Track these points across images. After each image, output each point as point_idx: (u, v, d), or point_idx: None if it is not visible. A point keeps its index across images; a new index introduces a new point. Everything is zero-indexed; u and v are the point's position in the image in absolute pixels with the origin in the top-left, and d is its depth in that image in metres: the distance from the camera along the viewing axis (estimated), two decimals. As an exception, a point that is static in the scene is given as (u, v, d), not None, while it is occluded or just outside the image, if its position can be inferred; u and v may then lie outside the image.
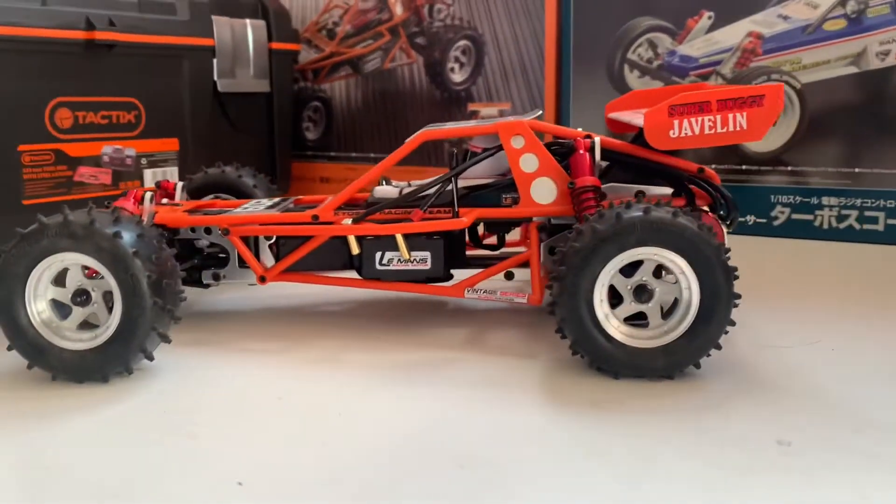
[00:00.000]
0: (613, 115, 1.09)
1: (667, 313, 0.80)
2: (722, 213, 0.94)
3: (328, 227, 0.94)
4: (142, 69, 1.56)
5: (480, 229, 1.04)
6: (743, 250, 1.45)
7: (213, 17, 1.69)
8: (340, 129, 2.01)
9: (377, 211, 0.93)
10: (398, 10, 1.86)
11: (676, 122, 0.85)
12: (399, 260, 0.93)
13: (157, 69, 1.59)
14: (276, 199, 1.08)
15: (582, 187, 0.89)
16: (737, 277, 0.79)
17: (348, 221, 0.93)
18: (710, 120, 0.84)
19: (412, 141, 0.95)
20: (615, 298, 0.80)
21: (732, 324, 0.78)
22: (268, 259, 1.00)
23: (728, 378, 0.80)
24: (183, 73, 1.65)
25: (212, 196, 1.21)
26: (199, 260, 1.00)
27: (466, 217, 0.92)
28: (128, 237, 0.79)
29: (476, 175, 1.00)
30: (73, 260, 0.80)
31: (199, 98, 1.70)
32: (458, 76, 1.81)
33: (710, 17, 1.52)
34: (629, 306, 0.80)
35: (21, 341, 0.80)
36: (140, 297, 0.79)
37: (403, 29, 1.86)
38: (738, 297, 0.78)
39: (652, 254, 0.77)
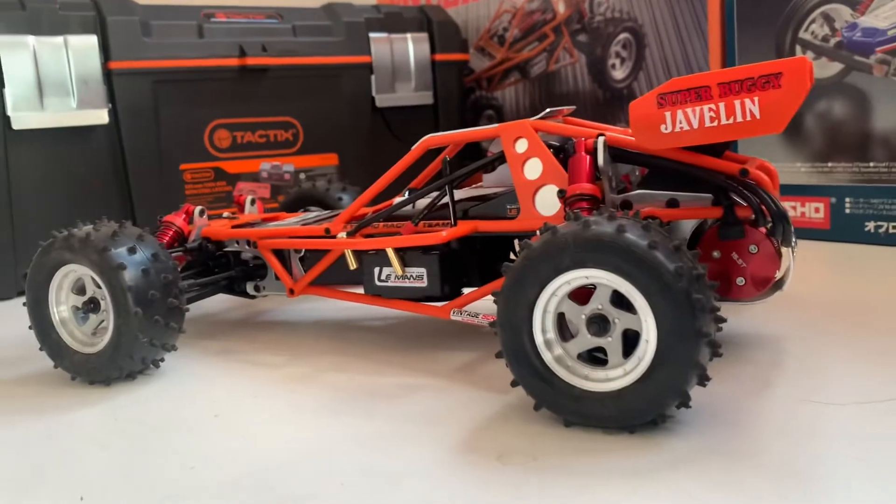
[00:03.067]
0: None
1: (629, 350, 0.65)
2: (767, 227, 0.74)
3: (326, 240, 0.91)
4: (298, 90, 1.67)
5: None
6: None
7: (371, 35, 1.75)
8: (512, 136, 1.95)
9: (368, 224, 0.89)
10: (561, 8, 1.76)
11: (668, 115, 0.68)
12: (396, 276, 0.87)
13: (313, 89, 1.69)
14: (329, 213, 1.08)
15: (574, 195, 0.76)
16: (722, 320, 0.62)
17: (343, 235, 0.89)
18: (711, 109, 0.67)
19: (416, 149, 0.89)
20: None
21: (702, 371, 0.61)
22: (300, 272, 1.00)
23: (706, 438, 0.62)
24: (340, 90, 1.72)
25: (302, 210, 1.25)
26: (239, 271, 1.03)
27: (460, 229, 0.83)
28: (118, 251, 0.84)
29: (494, 183, 0.91)
30: (80, 271, 0.87)
31: (359, 113, 1.76)
32: (619, 73, 1.66)
33: (899, -23, 1.22)
34: (585, 339, 0.66)
35: (47, 342, 0.90)
36: (125, 307, 0.83)
37: (566, 27, 1.76)
38: (716, 344, 0.61)
39: (599, 277, 0.63)
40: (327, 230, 0.93)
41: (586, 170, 0.77)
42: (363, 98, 1.76)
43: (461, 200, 0.88)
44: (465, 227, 0.83)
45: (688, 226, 0.79)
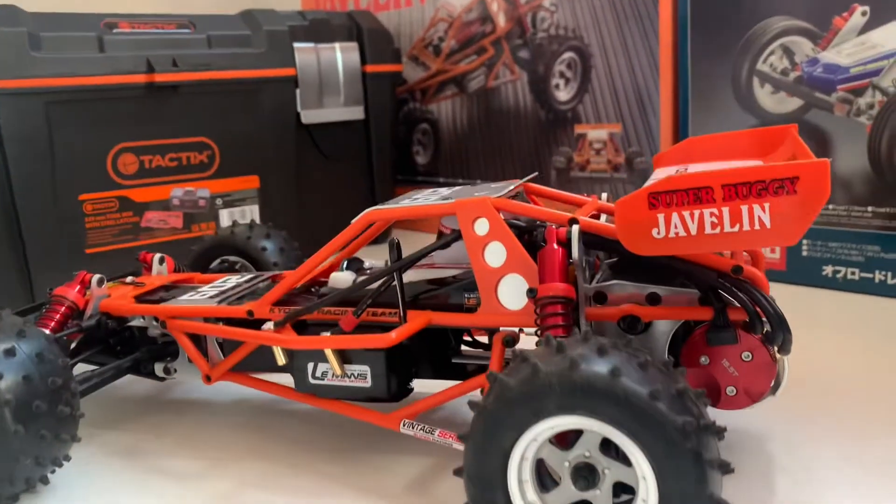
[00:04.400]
0: (656, 172, 0.82)
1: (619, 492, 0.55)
2: (765, 333, 0.65)
3: (249, 332, 0.78)
4: (213, 107, 1.50)
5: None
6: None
7: (295, 45, 1.59)
8: (447, 152, 1.84)
9: (303, 314, 0.76)
10: (501, 20, 1.65)
11: (661, 217, 0.58)
12: (334, 374, 0.75)
13: (230, 106, 1.52)
14: (253, 276, 0.94)
15: (546, 297, 0.65)
16: (730, 470, 0.52)
17: (270, 326, 0.76)
18: (713, 214, 0.57)
19: (356, 224, 0.76)
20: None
21: (710, 540, 0.51)
22: (218, 355, 0.86)
23: None
24: (262, 107, 1.56)
25: (219, 261, 1.10)
26: (145, 352, 0.89)
27: (411, 326, 0.71)
28: (-9, 355, 0.69)
29: (447, 261, 0.79)
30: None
31: (282, 131, 1.61)
32: (563, 94, 1.56)
33: (864, 14, 1.15)
34: (569, 491, 0.55)
35: None
36: (1, 425, 0.68)
37: (507, 42, 1.65)
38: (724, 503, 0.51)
39: (588, 425, 0.53)
40: (250, 313, 0.80)
41: (559, 265, 0.66)
42: (287, 114, 1.61)
43: (410, 283, 0.76)
44: (416, 323, 0.71)
45: (668, 323, 0.69)
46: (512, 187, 0.73)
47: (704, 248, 0.58)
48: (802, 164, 0.54)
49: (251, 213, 1.59)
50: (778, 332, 0.64)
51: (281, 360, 0.76)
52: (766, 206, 0.55)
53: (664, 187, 0.57)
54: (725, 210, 0.56)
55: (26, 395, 0.69)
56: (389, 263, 0.72)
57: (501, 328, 0.72)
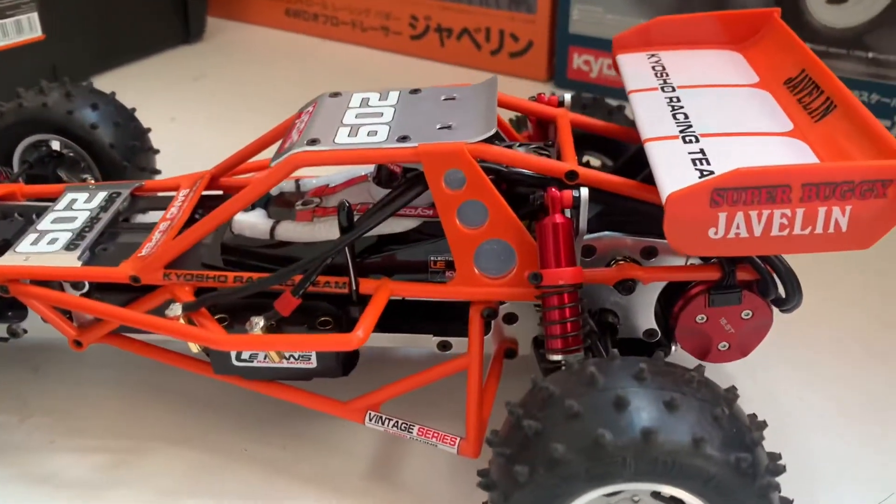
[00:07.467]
0: (623, 64, 0.69)
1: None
2: (776, 296, 0.59)
3: (149, 320, 0.60)
4: None
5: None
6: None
7: None
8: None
9: (216, 300, 0.59)
10: None
11: (723, 217, 0.47)
12: (267, 356, 0.60)
13: None
14: (107, 193, 0.71)
15: (552, 286, 0.54)
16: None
17: (176, 310, 0.58)
18: (784, 215, 0.47)
19: (280, 167, 0.57)
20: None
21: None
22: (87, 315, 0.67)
23: None
24: None
25: (31, 141, 0.84)
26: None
27: (374, 311, 0.57)
28: None
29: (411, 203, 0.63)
30: None
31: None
32: None
33: None
34: (608, 530, 0.50)
35: None
36: None
37: None
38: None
39: (654, 488, 0.46)
40: (135, 279, 0.61)
41: (567, 243, 0.54)
42: None
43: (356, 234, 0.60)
44: (379, 303, 0.58)
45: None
46: (490, 123, 0.57)
47: (766, 250, 0.49)
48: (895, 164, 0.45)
49: (29, 23, 1.23)
50: (792, 296, 0.58)
51: (194, 348, 0.60)
52: (848, 208, 0.46)
53: (732, 182, 0.46)
54: (800, 211, 0.47)
55: None
56: (338, 229, 0.56)
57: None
